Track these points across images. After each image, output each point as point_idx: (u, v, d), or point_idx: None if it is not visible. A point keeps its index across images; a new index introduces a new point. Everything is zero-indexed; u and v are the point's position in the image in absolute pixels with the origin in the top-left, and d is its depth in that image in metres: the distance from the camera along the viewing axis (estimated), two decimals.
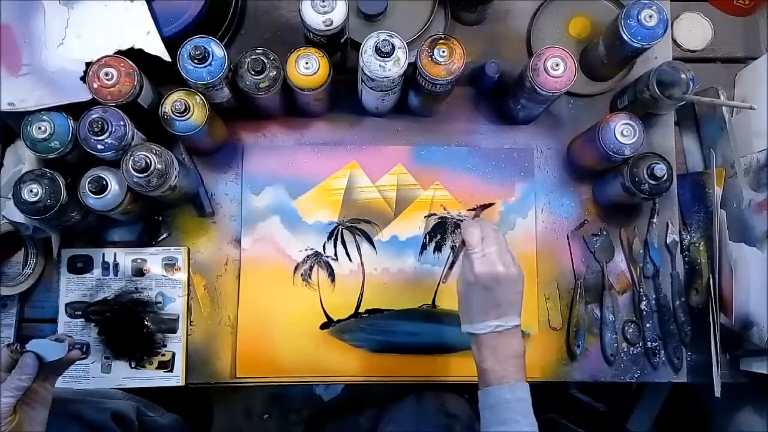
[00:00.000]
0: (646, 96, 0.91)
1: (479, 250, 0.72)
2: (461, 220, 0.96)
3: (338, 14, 0.81)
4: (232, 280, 0.96)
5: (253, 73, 0.83)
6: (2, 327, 0.92)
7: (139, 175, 0.80)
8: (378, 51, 0.81)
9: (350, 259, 0.96)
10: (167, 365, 0.93)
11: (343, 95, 0.97)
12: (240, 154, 0.98)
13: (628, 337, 0.96)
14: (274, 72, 0.85)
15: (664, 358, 0.96)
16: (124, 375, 0.93)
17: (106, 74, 0.81)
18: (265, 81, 0.84)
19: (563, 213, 0.99)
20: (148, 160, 0.80)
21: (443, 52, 0.82)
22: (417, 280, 0.96)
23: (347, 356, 0.94)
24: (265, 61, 0.83)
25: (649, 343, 0.96)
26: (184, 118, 0.82)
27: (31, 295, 0.95)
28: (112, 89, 0.81)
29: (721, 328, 0.91)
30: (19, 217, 0.83)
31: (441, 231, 0.97)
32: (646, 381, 0.96)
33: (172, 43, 0.84)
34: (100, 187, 0.81)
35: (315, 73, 0.85)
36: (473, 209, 0.95)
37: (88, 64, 0.82)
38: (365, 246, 0.97)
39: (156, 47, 0.85)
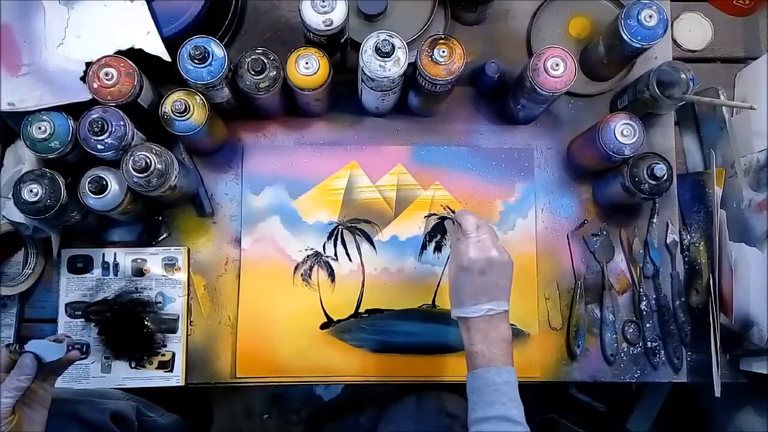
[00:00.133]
0: (646, 96, 0.91)
1: (474, 236, 0.74)
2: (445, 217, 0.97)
3: (338, 14, 0.81)
4: (232, 280, 0.96)
5: (253, 73, 0.83)
6: (2, 327, 0.92)
7: (139, 175, 0.80)
8: (378, 51, 0.81)
9: (350, 259, 0.96)
10: (167, 365, 0.93)
11: (343, 95, 0.97)
12: (240, 154, 0.98)
13: (628, 337, 0.96)
14: (274, 72, 0.85)
15: (664, 358, 0.96)
16: (124, 375, 0.93)
17: (106, 74, 0.81)
18: (265, 81, 0.84)
19: (563, 213, 0.99)
20: (148, 160, 0.80)
21: (443, 52, 0.82)
22: (417, 280, 0.96)
23: (347, 356, 0.94)
24: (265, 61, 0.83)
25: (649, 343, 0.96)
26: (184, 118, 0.82)
27: (31, 295, 0.95)
28: (112, 89, 0.81)
29: (721, 328, 0.91)
30: (19, 217, 0.83)
31: (441, 231, 0.97)
32: (646, 381, 0.96)
33: (172, 43, 0.84)
34: (100, 187, 0.81)
35: (315, 73, 0.85)
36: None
37: (88, 64, 0.82)
38: (365, 246, 0.97)
39: (156, 47, 0.85)
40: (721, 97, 0.96)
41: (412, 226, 0.97)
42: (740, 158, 0.94)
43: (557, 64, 0.84)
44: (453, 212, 0.80)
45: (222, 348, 0.94)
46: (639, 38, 0.85)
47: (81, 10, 0.86)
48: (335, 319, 0.95)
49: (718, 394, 0.88)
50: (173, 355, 0.93)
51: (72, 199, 0.82)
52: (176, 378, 0.93)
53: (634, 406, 1.28)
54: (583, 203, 1.00)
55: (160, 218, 0.96)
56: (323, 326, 0.95)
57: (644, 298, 0.97)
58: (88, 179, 0.81)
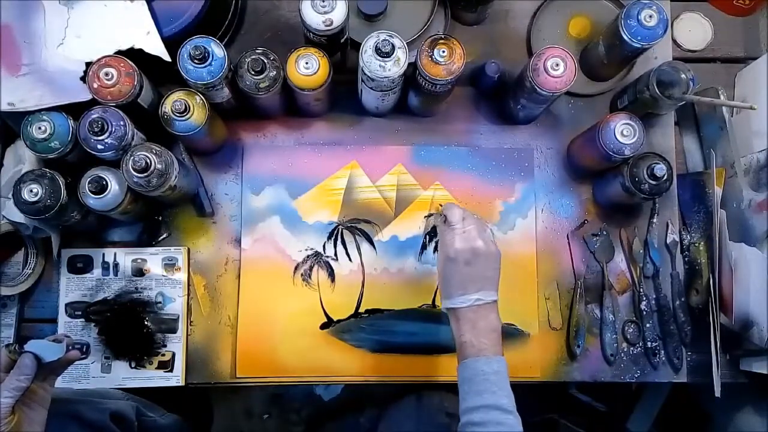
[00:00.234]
0: (646, 96, 0.90)
1: (460, 227, 0.75)
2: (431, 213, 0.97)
3: (338, 14, 0.81)
4: (232, 280, 0.96)
5: (253, 73, 0.83)
6: (2, 327, 0.92)
7: (139, 175, 0.80)
8: (378, 51, 0.81)
9: (350, 259, 0.96)
10: (167, 365, 0.93)
11: (343, 95, 0.97)
12: (240, 154, 0.98)
13: (628, 337, 0.96)
14: (274, 72, 0.85)
15: (664, 358, 0.96)
16: (124, 375, 0.93)
17: (106, 74, 0.81)
18: (265, 81, 0.84)
19: (563, 213, 0.99)
20: (148, 160, 0.80)
21: (443, 52, 0.82)
22: (417, 280, 0.96)
23: (347, 356, 0.94)
24: (265, 61, 0.83)
25: (649, 343, 0.96)
26: (184, 118, 0.82)
27: (31, 295, 0.95)
28: (112, 89, 0.81)
29: (721, 328, 0.91)
30: (19, 217, 0.83)
31: None
32: (646, 381, 0.96)
33: (172, 43, 0.84)
34: (100, 187, 0.81)
35: (315, 73, 0.85)
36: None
37: (88, 64, 0.82)
38: (365, 246, 0.97)
39: (156, 47, 0.85)
40: (721, 97, 0.96)
41: (412, 226, 0.97)
42: (740, 158, 0.94)
43: (557, 64, 0.84)
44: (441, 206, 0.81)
45: (222, 348, 0.94)
46: (639, 38, 0.85)
47: (81, 10, 0.86)
48: (335, 319, 0.95)
49: (718, 394, 0.88)
50: (173, 355, 0.93)
51: (72, 199, 0.82)
52: (176, 378, 0.93)
53: (634, 406, 1.28)
54: (583, 203, 1.00)
55: (160, 218, 0.96)
56: (323, 326, 0.95)
57: (644, 298, 0.97)
58: (88, 179, 0.81)
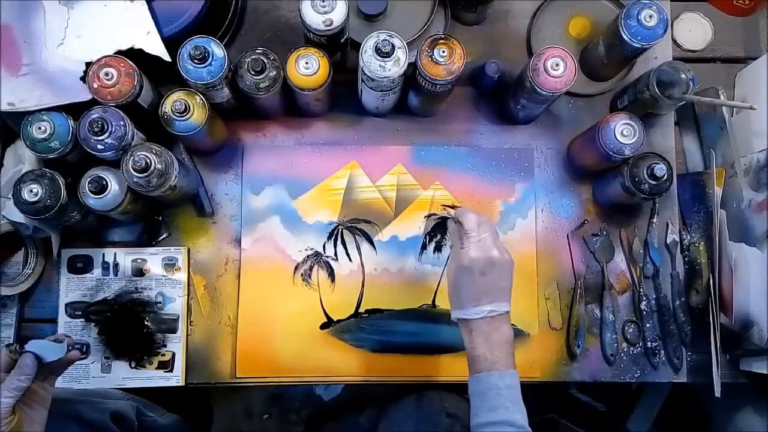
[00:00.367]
0: (646, 96, 0.90)
1: (475, 235, 0.73)
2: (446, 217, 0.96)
3: (338, 14, 0.81)
4: (232, 280, 0.96)
5: (253, 73, 0.83)
6: (2, 327, 0.92)
7: (139, 175, 0.80)
8: (378, 51, 0.81)
9: (350, 259, 0.96)
10: (167, 365, 0.93)
11: (343, 95, 0.97)
12: (240, 154, 0.98)
13: (628, 337, 0.96)
14: (274, 72, 0.85)
15: (664, 358, 0.96)
16: (124, 375, 0.93)
17: (106, 74, 0.81)
18: (265, 81, 0.84)
19: (563, 213, 0.99)
20: (148, 160, 0.80)
21: (443, 52, 0.82)
22: (417, 280, 0.96)
23: (347, 356, 0.94)
24: (265, 61, 0.83)
25: (649, 343, 0.96)
26: (184, 118, 0.82)
27: (31, 295, 0.95)
28: (112, 89, 0.81)
29: (721, 328, 0.91)
30: (19, 217, 0.83)
31: (441, 231, 0.97)
32: (646, 381, 0.96)
33: (172, 43, 0.84)
34: (100, 187, 0.81)
35: (315, 73, 0.85)
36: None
37: (88, 64, 0.82)
38: (365, 246, 0.97)
39: (156, 47, 0.85)
40: (721, 97, 0.96)
41: (412, 226, 0.97)
42: (740, 158, 0.94)
43: (557, 64, 0.84)
44: (453, 208, 0.79)
45: (222, 348, 0.94)
46: (639, 38, 0.85)
47: (81, 10, 0.86)
48: (335, 319, 0.95)
49: (718, 394, 0.88)
50: (173, 355, 0.93)
51: (72, 199, 0.82)
52: (176, 378, 0.93)
53: (634, 406, 1.28)
54: (583, 203, 1.00)
55: (160, 218, 0.96)
56: (323, 326, 0.95)
57: (644, 298, 0.97)
58: (88, 179, 0.81)
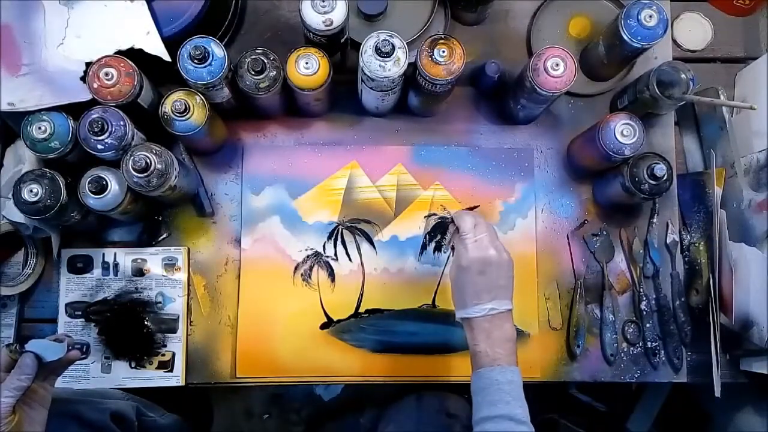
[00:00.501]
0: (646, 96, 0.91)
1: (472, 236, 0.74)
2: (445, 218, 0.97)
3: (338, 14, 0.81)
4: (232, 280, 0.96)
5: (253, 73, 0.83)
6: (2, 327, 0.92)
7: (139, 175, 0.80)
8: (378, 51, 0.81)
9: (350, 259, 0.96)
10: (167, 365, 0.93)
11: (343, 95, 0.97)
12: (240, 154, 0.98)
13: (628, 337, 0.96)
14: (274, 72, 0.85)
15: (664, 358, 0.96)
16: (124, 375, 0.93)
17: (106, 74, 0.81)
18: (265, 81, 0.84)
19: (563, 213, 0.99)
20: (148, 160, 0.80)
21: (443, 52, 0.82)
22: (417, 280, 0.96)
23: (347, 356, 0.94)
24: (265, 61, 0.83)
25: (649, 343, 0.96)
26: (184, 118, 0.82)
27: (31, 295, 0.95)
28: (112, 89, 0.81)
29: (721, 328, 0.91)
30: (19, 217, 0.83)
31: (441, 231, 0.97)
32: (646, 381, 0.96)
33: (172, 43, 0.84)
34: (100, 187, 0.81)
35: (315, 73, 0.85)
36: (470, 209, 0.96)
37: (88, 64, 0.82)
38: (365, 246, 0.97)
39: (156, 47, 0.85)
40: (721, 97, 0.96)
41: (412, 226, 0.97)
42: (740, 158, 0.94)
43: (557, 64, 0.84)
44: (450, 213, 0.80)
45: (222, 348, 0.94)
46: (639, 38, 0.85)
47: (81, 10, 0.86)
48: (335, 319, 0.95)
49: (718, 394, 0.88)
50: (173, 355, 0.93)
51: (72, 199, 0.82)
52: (176, 378, 0.93)
53: (634, 406, 1.28)
54: (583, 203, 1.00)
55: (160, 218, 0.96)
56: (323, 326, 0.95)
57: (644, 298, 0.97)
58: (88, 179, 0.81)
